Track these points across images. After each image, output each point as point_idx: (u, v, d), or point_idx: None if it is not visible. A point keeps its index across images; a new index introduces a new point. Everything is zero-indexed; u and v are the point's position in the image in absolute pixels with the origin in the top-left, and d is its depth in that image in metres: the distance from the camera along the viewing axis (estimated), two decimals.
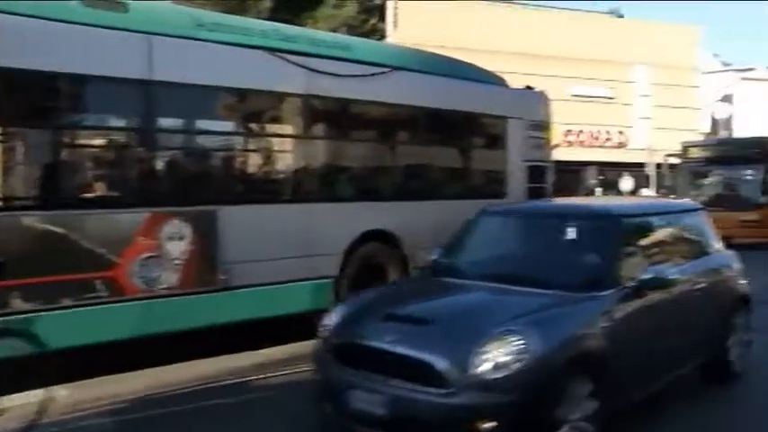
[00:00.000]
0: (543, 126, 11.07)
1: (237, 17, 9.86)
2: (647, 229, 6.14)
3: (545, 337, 4.45)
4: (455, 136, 10.35)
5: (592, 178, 43.88)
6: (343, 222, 8.67)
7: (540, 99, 11.33)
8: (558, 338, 4.57)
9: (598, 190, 45.41)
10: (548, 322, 4.69)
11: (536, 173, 10.70)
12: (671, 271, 5.72)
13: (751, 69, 66.48)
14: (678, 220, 6.77)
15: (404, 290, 6.59)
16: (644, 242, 5.95)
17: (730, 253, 7.32)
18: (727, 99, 56.12)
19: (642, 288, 5.25)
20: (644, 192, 37.34)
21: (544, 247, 6.04)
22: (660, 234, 6.33)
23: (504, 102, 10.65)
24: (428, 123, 9.68)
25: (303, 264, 8.22)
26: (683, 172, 23.49)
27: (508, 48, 41.28)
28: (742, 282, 7.13)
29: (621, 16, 53.21)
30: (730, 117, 52.53)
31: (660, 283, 5.43)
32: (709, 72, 61.06)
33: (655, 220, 6.40)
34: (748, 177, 21.54)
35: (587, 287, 5.07)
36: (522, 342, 4.32)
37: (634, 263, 5.44)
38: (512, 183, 10.46)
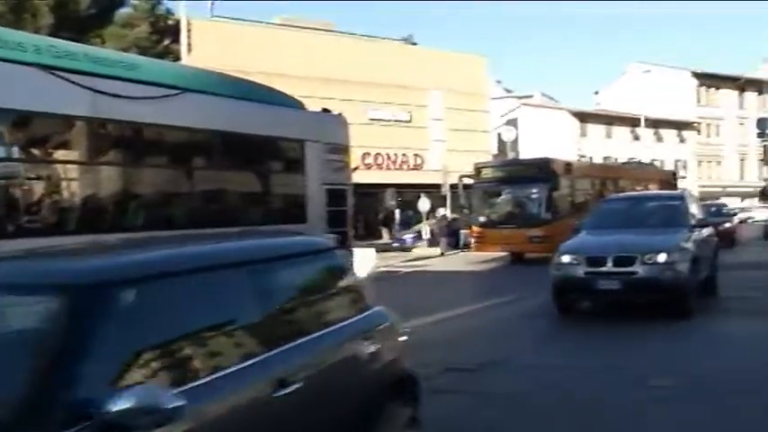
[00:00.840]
0: (342, 149, 10.91)
1: (8, 30, 8.85)
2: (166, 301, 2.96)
3: None
4: (250, 160, 9.91)
5: (390, 200, 44.72)
6: None
7: (338, 122, 11.18)
8: None
9: (397, 211, 46.71)
10: None
11: (336, 196, 10.51)
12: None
13: (530, 96, 71.66)
14: (284, 270, 3.81)
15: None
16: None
17: (380, 311, 4.50)
18: (512, 123, 59.79)
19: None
20: (440, 212, 38.55)
21: None
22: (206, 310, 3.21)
23: (302, 125, 10.36)
24: (221, 147, 9.22)
25: None
26: (476, 192, 24.44)
27: (306, 72, 41.39)
28: (400, 352, 4.56)
29: (415, 44, 55.10)
30: (516, 139, 55.96)
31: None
32: (495, 98, 64.98)
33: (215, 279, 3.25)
34: (534, 196, 22.72)
35: None
36: None
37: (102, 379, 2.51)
38: (311, 207, 10.15)
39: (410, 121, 49.22)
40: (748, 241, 29.68)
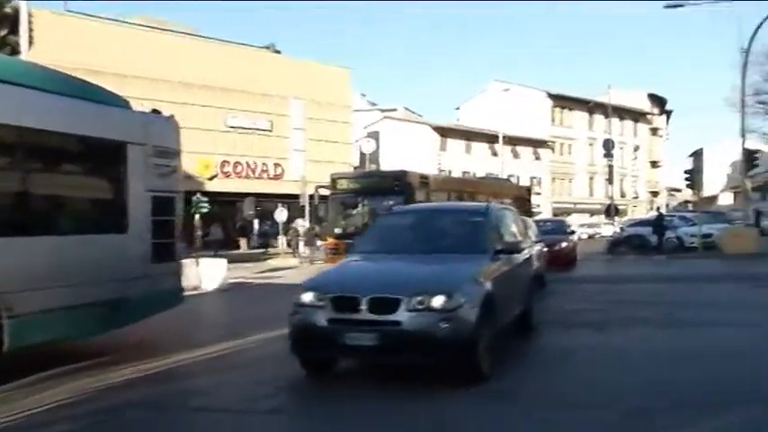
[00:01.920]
0: (171, 153, 9.89)
1: None
2: None
3: None
4: (57, 161, 8.83)
5: (249, 209, 43.74)
6: None
7: (168, 124, 10.16)
8: None
9: (256, 221, 45.67)
10: None
11: (163, 204, 9.57)
12: None
13: (394, 110, 72.45)
14: None
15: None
16: None
17: None
18: (373, 135, 60.04)
19: None
20: (299, 222, 38.00)
21: None
22: None
23: (124, 125, 9.29)
24: (18, 145, 7.95)
25: None
26: (333, 203, 23.90)
27: (165, 76, 39.92)
28: None
29: (278, 52, 54.31)
30: (376, 151, 56.18)
31: None
32: (358, 110, 65.18)
33: None
34: (389, 208, 22.28)
35: None
36: None
37: None
38: (133, 216, 9.14)
39: (271, 130, 48.40)
40: (594, 256, 30.88)
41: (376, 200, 22.08)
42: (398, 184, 21.99)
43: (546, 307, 13.30)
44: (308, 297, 7.48)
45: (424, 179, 23.95)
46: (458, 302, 7.04)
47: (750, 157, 31.19)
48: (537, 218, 24.11)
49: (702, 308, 13.28)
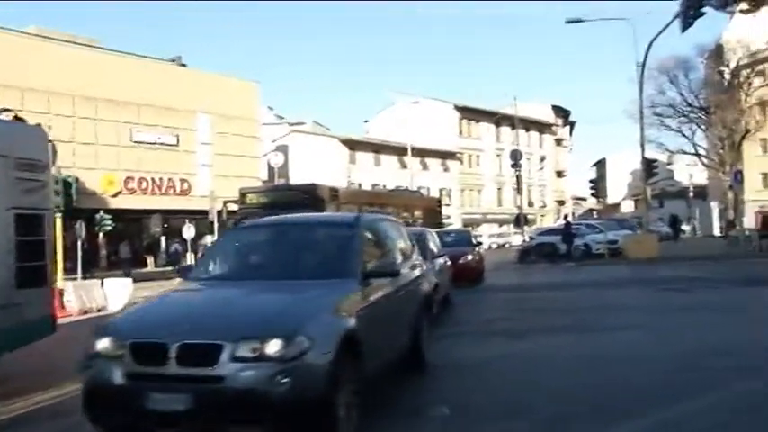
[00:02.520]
0: (39, 166, 8.94)
1: None
2: None
3: None
4: None
5: (155, 227, 42.33)
6: None
7: (35, 134, 9.14)
8: None
9: (162, 238, 44.19)
10: None
11: (29, 223, 8.59)
12: None
13: (302, 123, 71.83)
14: None
15: None
16: None
17: None
18: (282, 149, 59.25)
19: None
20: (208, 239, 36.99)
21: None
22: None
23: None
24: None
25: None
26: (241, 218, 23.20)
27: (66, 89, 38.35)
28: None
29: (184, 65, 52.98)
30: (285, 165, 55.52)
31: None
32: (266, 124, 64.29)
33: None
34: None
35: None
36: None
37: None
38: None
39: (177, 145, 47.07)
40: (505, 265, 31.07)
41: (285, 214, 21.47)
42: (308, 198, 21.42)
43: (458, 317, 13.23)
44: (103, 344, 5.45)
45: (334, 192, 23.52)
46: (301, 347, 5.06)
47: (649, 167, 32.07)
48: (441, 230, 23.39)
49: (613, 312, 13.50)
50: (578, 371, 7.94)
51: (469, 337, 10.90)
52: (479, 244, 22.97)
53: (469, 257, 19.64)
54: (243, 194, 23.58)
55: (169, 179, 45.29)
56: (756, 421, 5.77)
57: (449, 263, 15.48)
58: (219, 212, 28.68)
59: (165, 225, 43.38)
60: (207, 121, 48.48)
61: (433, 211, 32.22)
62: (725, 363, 7.92)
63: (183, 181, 45.96)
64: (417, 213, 29.52)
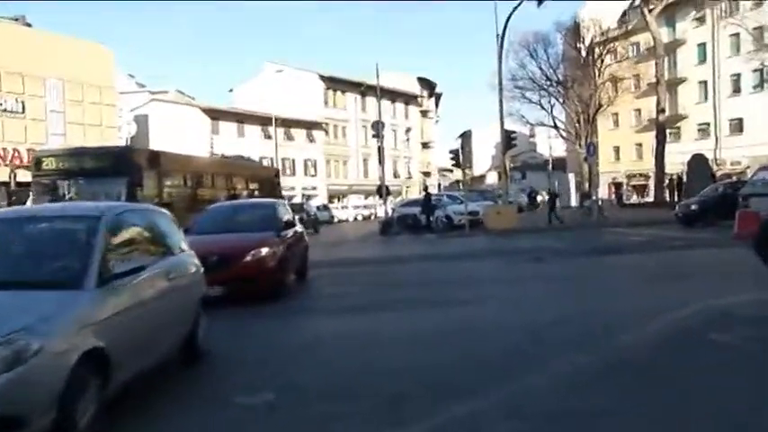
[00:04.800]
0: None
1: None
2: None
3: None
4: None
5: (1, 200, 39.71)
6: None
7: None
8: None
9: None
10: None
11: None
12: None
13: (165, 92, 69.36)
14: None
15: None
16: None
17: None
18: (141, 119, 57.07)
19: None
20: None
21: None
22: None
23: None
24: None
25: None
26: (36, 189, 19.72)
27: None
28: None
29: (29, 25, 49.73)
30: (146, 135, 53.49)
31: None
32: (125, 92, 61.62)
33: None
34: (108, 194, 16.93)
35: None
36: None
37: None
38: None
39: (23, 112, 44.23)
40: (367, 237, 31.35)
41: (92, 183, 17.66)
42: (120, 164, 18.12)
43: (307, 292, 12.97)
44: None
45: (154, 158, 20.56)
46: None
47: (508, 138, 32.99)
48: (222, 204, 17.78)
49: (464, 285, 13.53)
50: (422, 347, 7.81)
51: (312, 314, 10.66)
52: (291, 225, 13.83)
53: (264, 252, 11.62)
54: (39, 159, 19.66)
55: (14, 149, 42.58)
56: (595, 394, 5.72)
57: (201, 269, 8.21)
58: (6, 183, 23.69)
59: (14, 198, 40.84)
60: (57, 87, 45.90)
61: (270, 183, 30.63)
62: (564, 333, 8.06)
63: (30, 151, 43.29)
64: (253, 185, 28.08)
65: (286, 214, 14.14)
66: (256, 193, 26.61)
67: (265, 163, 63.90)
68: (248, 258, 11.47)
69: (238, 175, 26.99)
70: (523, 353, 7.27)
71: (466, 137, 33.69)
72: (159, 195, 19.37)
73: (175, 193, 20.90)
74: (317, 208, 53.57)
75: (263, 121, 64.29)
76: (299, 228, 15.00)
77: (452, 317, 9.78)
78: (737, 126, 55.51)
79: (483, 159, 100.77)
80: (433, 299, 11.64)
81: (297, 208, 43.11)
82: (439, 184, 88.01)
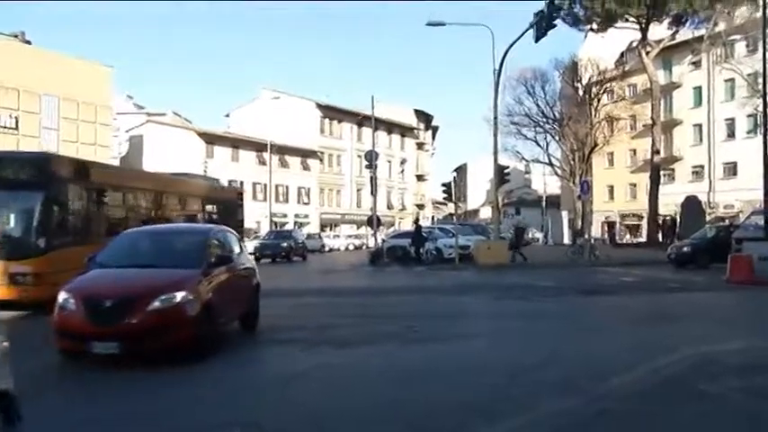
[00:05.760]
0: None
1: None
2: None
3: None
4: None
5: None
6: None
7: None
8: None
9: None
10: None
11: None
12: None
13: (162, 114, 69.43)
14: None
15: None
16: None
17: None
18: (136, 139, 56.98)
19: None
20: None
21: None
22: None
23: None
24: None
25: None
26: None
27: None
28: None
29: (29, 42, 49.81)
30: (137, 155, 53.30)
31: None
32: (122, 113, 61.64)
33: None
34: (21, 208, 14.94)
35: None
36: None
37: None
38: None
39: (17, 128, 44.05)
40: (356, 268, 31.07)
41: (3, 195, 14.79)
42: (38, 174, 14.86)
43: (288, 323, 12.47)
44: None
45: (81, 168, 16.81)
46: None
47: (501, 173, 32.80)
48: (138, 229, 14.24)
49: (450, 320, 13.32)
50: (399, 384, 7.56)
51: (290, 347, 10.13)
52: (226, 260, 10.59)
53: (179, 298, 8.70)
54: None
55: None
56: None
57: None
58: None
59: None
60: (52, 104, 45.78)
61: (232, 205, 26.65)
62: (549, 375, 7.83)
63: None
64: (210, 206, 24.03)
65: (225, 245, 11.05)
66: (215, 216, 23.47)
67: (259, 189, 63.84)
68: (156, 305, 8.39)
69: (192, 195, 23.04)
70: (507, 395, 7.03)
71: (461, 170, 33.68)
72: (85, 214, 16.40)
73: (106, 213, 17.49)
74: (309, 236, 53.26)
75: (259, 146, 64.21)
76: (248, 263, 12.22)
77: (435, 354, 9.53)
78: (731, 170, 55.56)
79: (478, 193, 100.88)
80: (417, 334, 11.32)
81: (285, 235, 42.92)
82: (433, 217, 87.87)
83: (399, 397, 6.95)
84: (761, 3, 26.05)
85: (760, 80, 28.50)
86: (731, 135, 56.07)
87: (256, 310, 11.82)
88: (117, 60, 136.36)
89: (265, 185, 62.96)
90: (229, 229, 12.34)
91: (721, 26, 43.63)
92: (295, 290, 15.60)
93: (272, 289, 14.91)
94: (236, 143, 65.26)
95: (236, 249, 11.51)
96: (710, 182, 57.42)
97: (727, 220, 41.41)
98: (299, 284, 16.50)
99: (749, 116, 48.43)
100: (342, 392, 7.30)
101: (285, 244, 39.53)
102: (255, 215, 62.34)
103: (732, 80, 50.15)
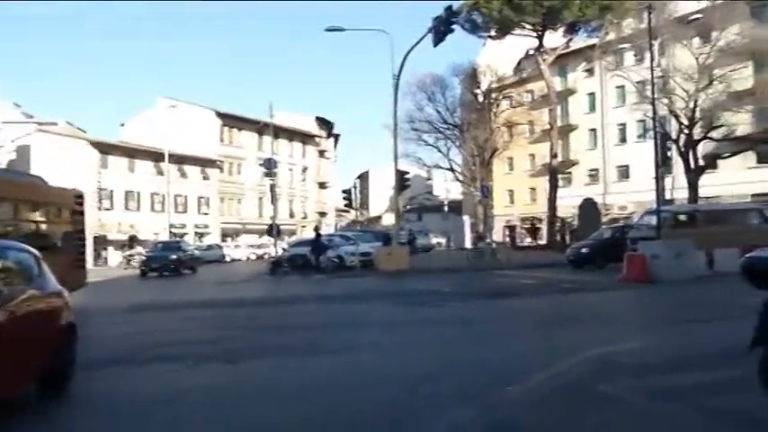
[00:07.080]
0: None
1: None
2: None
3: None
4: None
5: None
6: None
7: None
8: None
9: None
10: None
11: None
12: None
13: (54, 123, 66.29)
14: None
15: None
16: None
17: None
18: (23, 150, 54.25)
19: None
20: None
21: None
22: None
23: None
24: None
25: None
26: None
27: None
28: None
29: None
30: (26, 166, 50.64)
31: None
32: (8, 122, 58.57)
33: None
34: None
35: None
36: None
37: None
38: None
39: None
40: (255, 277, 30.31)
41: None
42: None
43: (169, 338, 11.66)
44: None
45: None
46: None
47: (402, 179, 32.63)
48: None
49: (348, 329, 12.74)
50: (291, 400, 6.99)
51: (175, 363, 9.22)
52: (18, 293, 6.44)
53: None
54: None
55: None
56: None
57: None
58: None
59: None
60: None
61: (67, 212, 19.11)
62: (450, 386, 7.39)
63: None
64: (32, 214, 17.53)
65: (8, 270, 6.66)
66: (43, 227, 17.77)
67: (157, 200, 61.77)
68: None
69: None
70: (400, 408, 6.54)
71: (363, 178, 33.31)
72: None
73: None
74: (209, 247, 51.68)
75: (156, 156, 62.18)
76: (53, 293, 7.51)
77: (328, 366, 8.99)
78: (624, 173, 57.38)
79: (381, 200, 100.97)
80: (310, 345, 10.74)
81: (173, 247, 40.04)
82: (336, 225, 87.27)
83: (283, 415, 6.36)
84: (645, 16, 26.90)
85: (648, 87, 29.38)
86: (623, 140, 57.97)
87: (69, 362, 7.51)
88: (4, 67, 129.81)
89: (164, 196, 60.98)
90: (23, 245, 7.75)
91: (612, 35, 44.97)
92: (183, 302, 14.70)
93: (155, 303, 14.02)
94: (132, 153, 62.98)
95: (34, 274, 7.34)
96: (605, 184, 59.16)
97: (621, 221, 42.55)
98: (189, 297, 15.56)
99: (639, 121, 50.04)
100: (223, 412, 6.58)
101: (174, 256, 36.48)
102: (154, 227, 60.31)
103: (623, 87, 51.74)
